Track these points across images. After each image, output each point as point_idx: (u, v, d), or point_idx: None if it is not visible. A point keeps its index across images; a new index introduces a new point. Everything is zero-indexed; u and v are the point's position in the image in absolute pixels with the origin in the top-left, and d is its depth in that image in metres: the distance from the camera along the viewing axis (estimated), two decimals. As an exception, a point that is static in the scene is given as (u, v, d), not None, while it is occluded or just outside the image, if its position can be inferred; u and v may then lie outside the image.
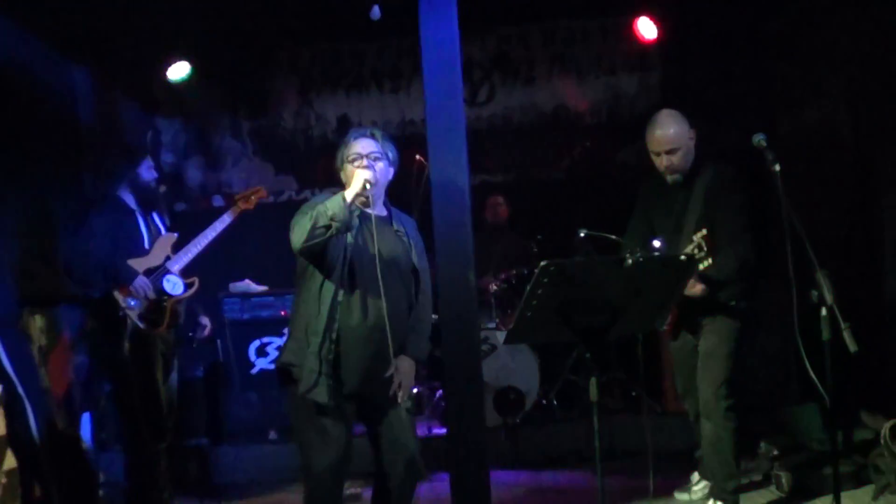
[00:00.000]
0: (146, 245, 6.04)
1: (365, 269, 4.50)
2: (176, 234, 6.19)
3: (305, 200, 4.81)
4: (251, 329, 7.79)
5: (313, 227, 4.32)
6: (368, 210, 4.57)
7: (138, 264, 5.93)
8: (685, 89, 8.94)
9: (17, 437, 5.41)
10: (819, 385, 4.47)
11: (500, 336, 7.81)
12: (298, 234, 4.39)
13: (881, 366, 6.86)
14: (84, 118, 8.43)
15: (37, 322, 6.73)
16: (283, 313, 7.60)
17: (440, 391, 7.85)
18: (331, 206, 4.33)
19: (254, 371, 7.75)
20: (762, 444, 6.46)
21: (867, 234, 7.28)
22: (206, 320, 6.52)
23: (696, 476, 6.04)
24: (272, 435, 7.71)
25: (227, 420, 7.79)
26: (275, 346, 7.68)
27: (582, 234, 6.14)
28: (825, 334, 4.41)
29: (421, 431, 6.50)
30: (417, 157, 6.52)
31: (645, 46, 8.92)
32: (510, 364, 7.74)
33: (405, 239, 4.78)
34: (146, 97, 9.40)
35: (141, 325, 5.83)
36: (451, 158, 5.07)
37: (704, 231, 5.08)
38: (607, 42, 9.46)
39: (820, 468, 5.98)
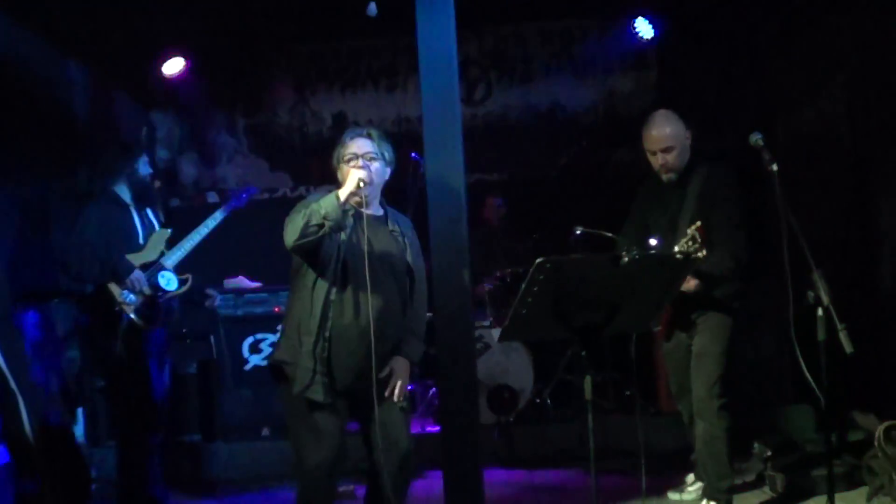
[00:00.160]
0: (141, 240, 6.03)
1: (358, 268, 4.49)
2: (170, 230, 6.18)
3: (300, 197, 4.81)
4: (245, 325, 7.77)
5: (306, 226, 4.31)
6: (363, 209, 4.57)
7: (133, 259, 5.92)
8: (682, 89, 8.94)
9: (9, 433, 5.41)
10: (814, 386, 4.46)
11: (495, 334, 7.80)
12: (291, 231, 4.38)
13: (876, 367, 6.86)
14: (79, 113, 8.41)
15: (30, 317, 6.72)
16: (276, 310, 7.59)
17: (434, 389, 7.84)
18: (324, 205, 4.32)
19: (247, 367, 7.73)
20: (756, 445, 6.46)
21: (864, 235, 7.28)
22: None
23: (691, 477, 6.04)
24: (265, 431, 7.68)
25: (220, 416, 7.76)
26: (268, 342, 7.66)
27: (578, 232, 6.15)
28: (821, 335, 4.40)
29: (414, 429, 6.49)
30: (413, 154, 6.51)
31: (642, 46, 8.91)
32: (504, 362, 7.73)
33: (400, 239, 4.77)
34: (142, 93, 9.39)
35: (136, 321, 5.82)
36: (447, 156, 5.06)
37: (699, 223, 5.10)
38: (604, 41, 9.45)
39: (814, 469, 5.97)
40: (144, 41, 8.24)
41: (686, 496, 6.01)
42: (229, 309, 7.75)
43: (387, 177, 4.77)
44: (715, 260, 5.26)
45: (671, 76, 9.27)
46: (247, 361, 7.72)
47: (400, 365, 4.68)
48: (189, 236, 6.19)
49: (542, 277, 3.74)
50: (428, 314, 4.93)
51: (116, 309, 5.78)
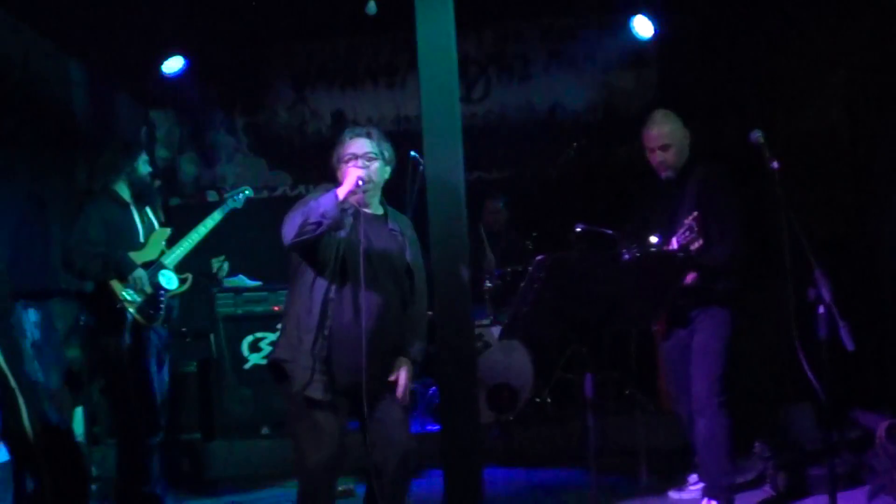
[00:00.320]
0: (141, 239, 6.02)
1: (357, 267, 4.49)
2: (170, 229, 6.17)
3: (300, 196, 4.82)
4: (244, 324, 7.78)
5: (303, 224, 4.32)
6: (363, 208, 4.57)
7: (134, 258, 5.92)
8: (682, 87, 8.92)
9: (9, 431, 5.40)
10: (816, 384, 4.45)
11: (495, 333, 7.80)
12: (289, 229, 4.40)
13: (878, 365, 6.86)
14: (79, 112, 8.41)
15: (30, 316, 6.71)
16: (276, 308, 7.59)
17: (433, 388, 7.83)
18: (323, 204, 4.33)
19: (247, 366, 7.73)
20: (757, 444, 6.45)
21: (865, 232, 7.28)
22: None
23: (694, 477, 6.03)
24: (265, 430, 7.69)
25: (220, 415, 7.77)
26: (268, 341, 7.66)
27: (578, 229, 6.15)
28: (822, 332, 4.39)
29: (414, 428, 6.48)
30: (412, 153, 6.49)
31: (642, 44, 8.90)
32: (504, 361, 7.72)
33: (400, 238, 4.78)
34: (141, 92, 9.38)
35: (138, 319, 5.82)
36: (446, 155, 5.04)
37: (695, 213, 5.12)
38: (604, 39, 9.43)
39: (815, 468, 5.96)
40: (144, 40, 8.23)
41: (686, 495, 6.01)
42: (229, 308, 7.75)
43: (386, 176, 4.78)
44: (712, 254, 5.29)
45: (671, 74, 9.26)
46: (246, 360, 7.72)
47: (403, 366, 4.68)
48: (188, 236, 6.19)
49: (542, 275, 3.74)
50: (428, 313, 4.93)
51: (119, 307, 5.78)
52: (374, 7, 7.23)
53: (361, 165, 4.56)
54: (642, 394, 7.58)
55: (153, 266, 5.94)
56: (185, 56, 8.68)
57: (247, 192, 6.65)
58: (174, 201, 9.68)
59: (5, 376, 5.35)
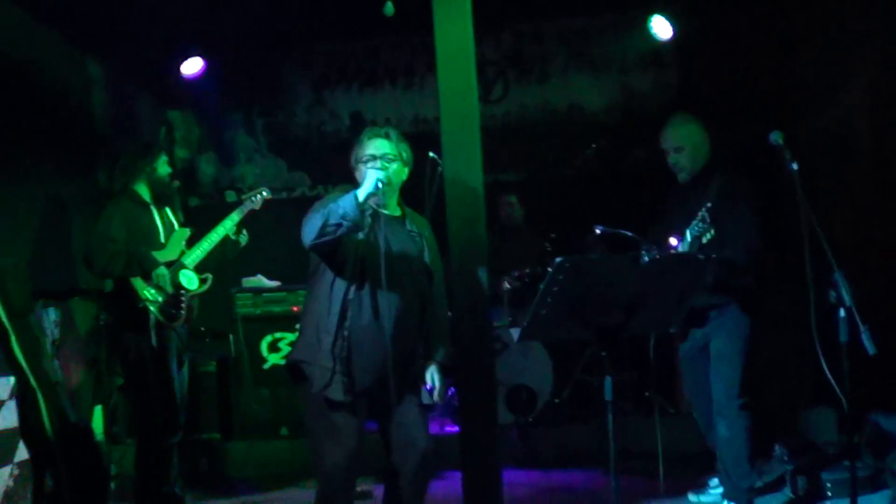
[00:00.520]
0: (161, 239, 6.04)
1: (377, 268, 4.50)
2: (190, 230, 6.19)
3: (318, 197, 4.81)
4: (263, 324, 7.78)
5: (324, 225, 4.32)
6: (381, 209, 4.57)
7: (156, 257, 5.94)
8: (701, 88, 8.89)
9: (29, 429, 5.42)
10: (836, 387, 4.43)
11: (514, 334, 7.79)
12: (309, 231, 4.40)
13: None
14: (98, 112, 8.44)
15: (50, 315, 6.74)
16: (294, 309, 7.59)
17: (452, 389, 7.83)
18: (343, 205, 4.32)
19: (266, 366, 7.74)
20: (777, 447, 6.43)
21: (886, 235, 7.23)
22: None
23: (715, 481, 6.02)
24: (283, 430, 7.70)
25: (238, 415, 7.79)
26: (287, 341, 7.67)
27: (598, 231, 6.13)
28: (843, 336, 4.37)
29: (433, 429, 6.48)
30: (431, 154, 6.48)
31: (660, 44, 8.87)
32: (523, 363, 7.72)
33: (418, 239, 4.78)
34: (160, 92, 9.41)
35: (159, 318, 5.84)
36: (464, 156, 5.06)
37: (709, 204, 5.17)
38: (622, 40, 9.41)
39: (835, 472, 5.93)
40: (163, 41, 8.26)
41: (706, 498, 5.99)
42: (248, 308, 7.76)
43: (404, 177, 4.77)
44: (728, 253, 5.30)
45: (690, 75, 9.22)
46: (265, 360, 7.73)
47: (435, 372, 4.71)
48: (207, 236, 6.20)
49: (561, 277, 3.74)
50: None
51: (141, 306, 5.80)
52: (391, 8, 7.24)
53: (380, 166, 4.56)
54: (661, 396, 7.56)
55: (174, 266, 5.96)
56: (204, 57, 8.69)
57: (264, 192, 6.66)
58: (193, 202, 9.70)
59: (25, 375, 5.38)
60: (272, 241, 7.79)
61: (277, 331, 7.76)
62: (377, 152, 4.62)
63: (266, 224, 6.87)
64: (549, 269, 3.74)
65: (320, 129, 9.86)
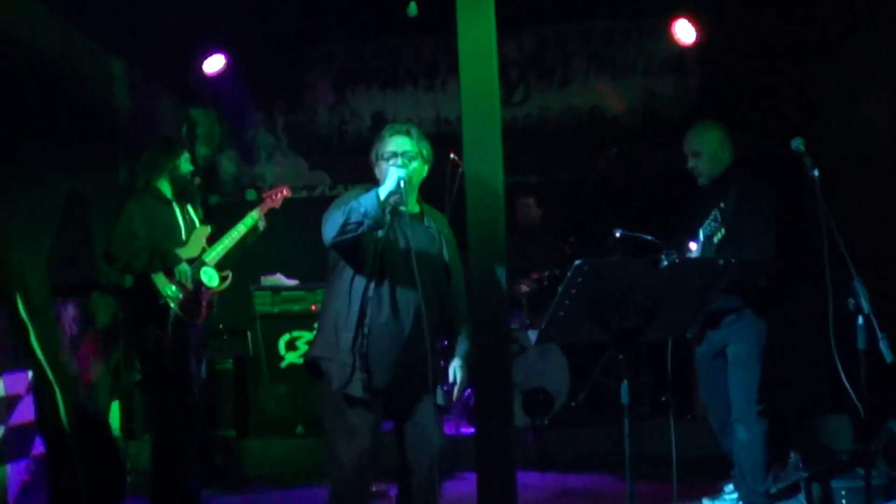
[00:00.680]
0: (183, 236, 6.07)
1: (396, 265, 4.51)
2: (210, 227, 6.22)
3: (339, 196, 4.80)
4: (281, 323, 7.81)
5: (345, 223, 4.32)
6: (401, 207, 4.57)
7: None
8: (723, 93, 8.86)
9: (46, 424, 5.45)
10: (853, 395, 4.41)
11: (531, 337, 7.77)
12: (330, 228, 4.40)
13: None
14: (120, 109, 8.48)
15: (69, 311, 6.78)
16: (313, 308, 7.61)
17: (469, 390, 7.83)
18: (364, 204, 4.32)
19: (283, 364, 7.76)
20: (792, 454, 6.40)
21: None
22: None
23: (729, 486, 6.01)
24: (299, 429, 7.71)
25: (254, 413, 7.80)
26: (304, 340, 7.69)
27: (617, 234, 6.15)
28: (861, 343, 4.35)
29: (449, 430, 6.48)
30: (452, 155, 6.49)
31: (683, 49, 8.85)
32: (540, 365, 7.72)
33: (437, 236, 4.76)
34: (182, 90, 9.44)
35: (179, 314, 5.86)
36: (485, 158, 5.06)
37: (722, 204, 5.25)
38: (645, 44, 9.39)
39: (850, 479, 5.91)
40: (185, 39, 8.29)
41: (720, 503, 5.98)
42: (266, 306, 7.79)
43: (424, 175, 4.76)
44: (743, 253, 5.31)
45: (712, 79, 9.20)
46: (282, 358, 7.76)
47: (461, 369, 4.73)
48: (227, 234, 6.22)
49: (580, 280, 3.73)
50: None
51: (162, 303, 5.81)
52: (414, 8, 7.25)
53: (402, 164, 4.55)
54: (678, 401, 7.55)
55: (195, 263, 5.98)
56: (226, 55, 8.72)
57: (284, 191, 6.68)
58: (213, 199, 9.73)
59: (43, 369, 5.40)
60: (292, 239, 7.82)
61: (295, 329, 7.78)
62: (398, 149, 4.61)
63: (286, 223, 6.89)
64: (568, 272, 3.74)
65: (341, 128, 9.87)
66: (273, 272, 8.01)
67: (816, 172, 4.64)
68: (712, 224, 5.31)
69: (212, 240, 6.16)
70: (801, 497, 6.08)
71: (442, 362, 4.89)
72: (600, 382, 8.09)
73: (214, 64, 8.75)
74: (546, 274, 8.07)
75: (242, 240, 6.26)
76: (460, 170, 5.41)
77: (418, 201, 4.81)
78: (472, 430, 7.17)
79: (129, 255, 5.82)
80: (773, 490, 5.87)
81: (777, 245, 5.51)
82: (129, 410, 7.59)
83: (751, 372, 5.51)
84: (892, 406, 6.24)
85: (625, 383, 4.01)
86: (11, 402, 5.90)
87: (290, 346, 7.75)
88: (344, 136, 9.85)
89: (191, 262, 5.96)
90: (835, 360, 4.48)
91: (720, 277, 4.17)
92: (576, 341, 6.94)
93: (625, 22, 9.44)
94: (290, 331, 7.78)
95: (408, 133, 4.67)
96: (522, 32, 9.57)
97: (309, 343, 7.52)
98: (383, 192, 4.36)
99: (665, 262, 3.86)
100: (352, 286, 4.51)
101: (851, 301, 4.40)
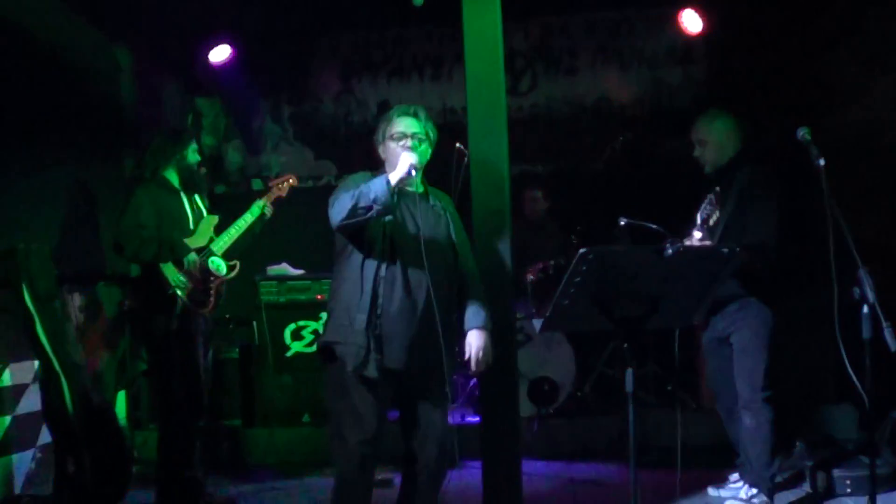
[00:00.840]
0: (191, 225, 6.07)
1: (406, 246, 4.51)
2: (218, 217, 6.22)
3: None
4: (287, 312, 7.81)
5: (354, 207, 4.32)
6: (408, 187, 4.57)
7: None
8: (730, 83, 8.85)
9: (52, 413, 5.47)
10: (858, 385, 4.41)
11: (536, 326, 7.77)
12: (338, 211, 4.40)
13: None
14: (126, 99, 8.48)
15: (75, 300, 6.79)
16: (319, 297, 7.61)
17: (474, 380, 7.84)
18: (374, 189, 4.32)
19: (289, 354, 7.77)
20: (797, 443, 6.42)
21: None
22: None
23: (734, 475, 6.02)
24: (305, 418, 7.72)
25: (260, 402, 7.81)
26: (310, 329, 7.70)
27: (622, 223, 6.14)
28: (865, 333, 4.35)
29: (454, 419, 6.48)
30: (458, 145, 6.48)
31: (690, 39, 8.84)
32: (545, 354, 7.72)
33: (443, 213, 4.75)
34: (188, 80, 9.45)
35: (187, 303, 5.86)
36: (491, 147, 5.07)
37: (717, 189, 5.28)
38: (651, 33, 9.39)
39: (855, 468, 5.92)
40: (191, 28, 8.29)
41: (725, 492, 5.99)
42: (272, 295, 7.79)
43: (429, 156, 4.74)
44: (746, 239, 5.34)
45: (719, 70, 9.19)
46: (288, 348, 7.76)
47: (475, 337, 4.66)
48: (234, 224, 6.22)
49: (584, 268, 3.74)
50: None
51: (170, 292, 5.82)
52: (421, -3, 7.24)
53: (412, 146, 4.55)
54: (683, 390, 7.55)
55: (203, 252, 5.99)
56: (232, 44, 8.72)
57: (291, 180, 6.68)
58: (219, 189, 9.75)
59: (49, 359, 5.42)
60: (298, 229, 7.82)
61: (301, 319, 7.78)
62: (408, 130, 4.60)
63: (292, 212, 6.89)
64: (573, 261, 3.74)
65: (347, 118, 9.88)
66: (279, 262, 8.01)
67: (822, 162, 4.64)
68: (708, 207, 5.34)
69: (219, 229, 6.17)
70: (806, 485, 6.10)
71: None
72: (606, 372, 8.09)
73: (220, 54, 8.76)
74: (552, 263, 8.07)
75: (250, 229, 6.26)
76: (466, 160, 5.40)
77: (422, 181, 4.80)
78: (477, 419, 7.18)
79: (137, 245, 5.82)
80: (779, 478, 5.88)
81: (779, 232, 5.51)
82: (136, 400, 7.61)
83: (756, 359, 5.53)
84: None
85: (629, 371, 4.00)
86: (18, 391, 5.94)
87: (296, 335, 7.75)
88: (350, 125, 9.87)
89: (199, 251, 5.97)
90: (840, 350, 4.47)
91: (725, 266, 4.18)
92: (580, 330, 6.94)
93: (632, 11, 9.43)
94: (295, 320, 7.78)
95: (415, 115, 4.66)
96: (528, 22, 9.57)
97: (315, 332, 7.55)
98: (394, 178, 4.36)
99: (670, 251, 3.86)
100: (363, 268, 4.50)
101: (856, 290, 4.39)
